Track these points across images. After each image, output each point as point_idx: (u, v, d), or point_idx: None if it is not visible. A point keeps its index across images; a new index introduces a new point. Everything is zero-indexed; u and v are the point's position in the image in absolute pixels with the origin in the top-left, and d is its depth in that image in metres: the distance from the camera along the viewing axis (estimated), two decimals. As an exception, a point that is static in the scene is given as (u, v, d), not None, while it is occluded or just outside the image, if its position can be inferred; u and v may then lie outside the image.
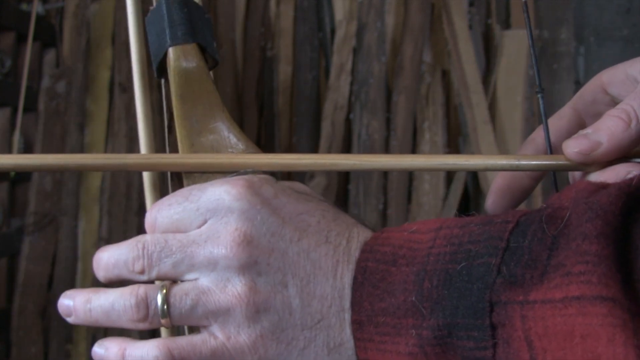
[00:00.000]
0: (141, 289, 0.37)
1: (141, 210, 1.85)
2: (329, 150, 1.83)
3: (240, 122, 1.92)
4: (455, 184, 1.81)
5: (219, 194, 0.36)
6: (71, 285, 1.85)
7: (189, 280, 0.36)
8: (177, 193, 0.38)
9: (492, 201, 0.44)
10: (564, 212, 0.32)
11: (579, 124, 0.44)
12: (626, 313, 0.27)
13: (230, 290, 0.35)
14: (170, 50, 0.42)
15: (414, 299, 0.33)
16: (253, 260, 0.35)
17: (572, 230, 0.30)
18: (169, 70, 0.43)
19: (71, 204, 1.87)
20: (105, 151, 1.90)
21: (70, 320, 0.39)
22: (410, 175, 1.85)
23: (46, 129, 1.87)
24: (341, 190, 1.87)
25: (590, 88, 0.44)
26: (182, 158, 0.39)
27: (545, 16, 1.92)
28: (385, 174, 1.83)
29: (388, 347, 0.34)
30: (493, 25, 1.91)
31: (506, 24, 1.92)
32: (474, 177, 1.82)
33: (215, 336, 0.36)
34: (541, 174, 0.43)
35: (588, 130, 0.37)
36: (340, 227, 0.37)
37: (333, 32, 1.94)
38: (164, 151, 0.45)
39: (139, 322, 0.37)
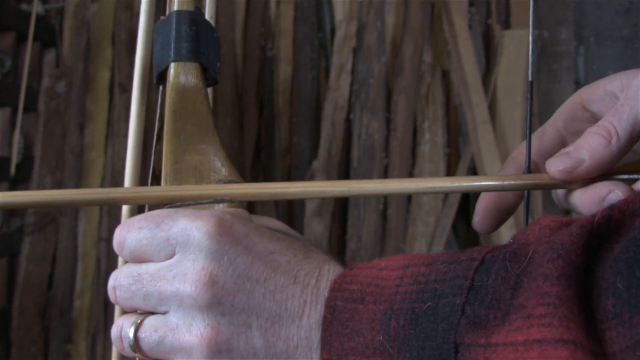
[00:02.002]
0: (119, 321, 0.39)
1: (140, 210, 1.85)
2: (329, 150, 1.83)
3: (240, 122, 1.92)
4: (455, 184, 1.81)
5: (190, 228, 0.37)
6: (71, 285, 1.85)
7: (160, 313, 0.37)
8: (149, 217, 0.39)
9: (478, 219, 0.44)
10: (528, 248, 0.31)
11: (561, 142, 0.44)
12: (588, 355, 0.27)
13: (194, 329, 0.36)
14: (172, 66, 0.43)
15: (381, 338, 0.33)
16: (217, 300, 0.36)
17: (534, 270, 0.30)
18: (167, 84, 0.43)
19: (71, 204, 1.87)
20: (106, 151, 1.90)
21: None
22: (410, 176, 1.84)
23: (46, 129, 1.87)
24: (341, 190, 1.87)
25: (570, 105, 0.44)
26: (167, 191, 0.40)
27: (545, 16, 1.92)
28: (385, 174, 1.83)
29: None
30: (493, 25, 1.91)
31: (506, 24, 1.92)
32: (474, 177, 1.82)
33: None
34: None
35: (570, 148, 0.38)
36: (310, 266, 0.37)
37: (333, 32, 1.94)
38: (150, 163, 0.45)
39: (125, 353, 0.39)
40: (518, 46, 1.86)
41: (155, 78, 0.45)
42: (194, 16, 0.44)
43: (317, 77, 1.94)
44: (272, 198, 0.40)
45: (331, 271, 0.37)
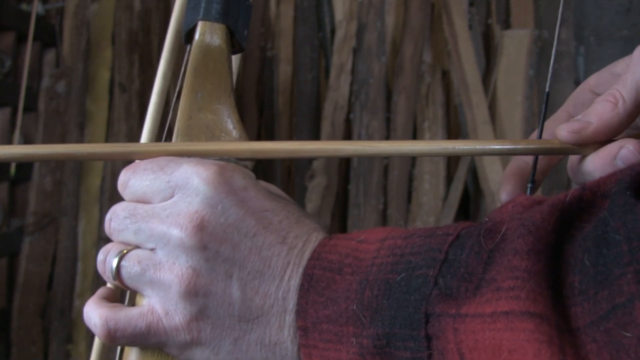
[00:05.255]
0: (108, 247, 0.40)
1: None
2: (329, 150, 1.83)
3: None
4: (455, 184, 1.82)
5: (191, 173, 0.38)
6: (71, 285, 1.85)
7: (147, 249, 0.38)
8: (155, 160, 0.40)
9: (504, 189, 0.45)
10: (502, 226, 0.32)
11: None
12: (553, 329, 0.28)
13: (176, 268, 0.37)
14: (199, 24, 0.45)
15: (354, 307, 0.34)
16: (203, 245, 0.37)
17: (506, 246, 0.31)
18: (192, 41, 0.45)
19: (71, 204, 1.87)
20: (105, 151, 1.90)
21: None
22: (410, 176, 1.85)
23: (46, 129, 1.87)
24: (341, 190, 1.87)
25: (580, 91, 0.46)
26: (187, 146, 0.41)
27: (545, 16, 1.92)
28: (385, 174, 1.83)
29: (331, 354, 0.35)
30: (493, 25, 1.91)
31: (506, 24, 1.92)
32: (474, 178, 1.82)
33: (153, 310, 0.38)
34: (548, 167, 0.46)
35: (578, 116, 0.40)
36: (300, 230, 0.38)
37: (333, 32, 1.94)
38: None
39: (105, 277, 0.40)
40: (518, 46, 1.86)
41: (184, 36, 0.47)
42: None
43: (317, 77, 1.94)
44: (289, 156, 0.42)
45: (318, 239, 0.38)
